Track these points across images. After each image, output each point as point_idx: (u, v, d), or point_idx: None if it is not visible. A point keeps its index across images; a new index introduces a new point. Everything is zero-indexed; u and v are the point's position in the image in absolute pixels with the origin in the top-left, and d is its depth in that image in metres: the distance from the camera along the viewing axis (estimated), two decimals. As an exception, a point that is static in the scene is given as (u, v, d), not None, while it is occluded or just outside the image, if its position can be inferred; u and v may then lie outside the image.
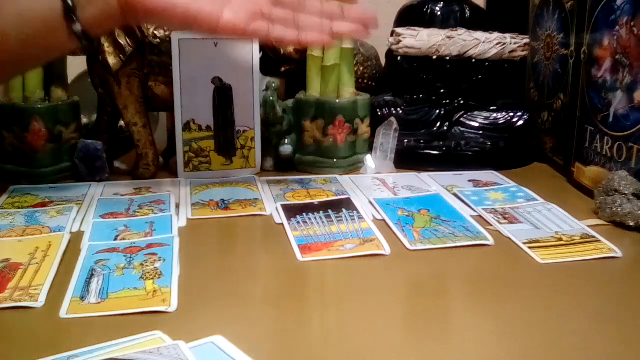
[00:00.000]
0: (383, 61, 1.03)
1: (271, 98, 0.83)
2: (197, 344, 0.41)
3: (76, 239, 0.61)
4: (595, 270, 0.57)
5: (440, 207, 0.71)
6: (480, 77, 0.95)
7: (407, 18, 0.99)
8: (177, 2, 0.60)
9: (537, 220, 0.68)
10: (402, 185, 0.80)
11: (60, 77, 0.84)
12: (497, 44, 0.93)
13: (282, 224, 0.66)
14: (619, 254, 0.59)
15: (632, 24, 0.70)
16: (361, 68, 1.00)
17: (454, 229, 0.65)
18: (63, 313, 0.47)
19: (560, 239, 0.62)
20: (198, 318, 0.47)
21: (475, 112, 0.94)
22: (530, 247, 0.60)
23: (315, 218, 0.67)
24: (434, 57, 0.93)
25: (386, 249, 0.59)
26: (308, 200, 0.73)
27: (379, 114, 0.92)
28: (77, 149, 0.81)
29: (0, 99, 0.84)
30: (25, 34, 0.59)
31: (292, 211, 0.69)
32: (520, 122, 0.94)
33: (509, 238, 0.63)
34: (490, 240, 0.62)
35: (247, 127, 0.85)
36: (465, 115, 0.94)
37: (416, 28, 0.93)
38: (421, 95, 0.96)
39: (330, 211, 0.69)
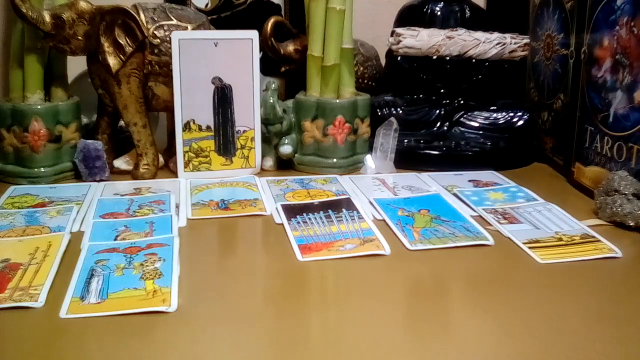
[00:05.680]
0: (383, 61, 1.03)
1: (271, 98, 0.84)
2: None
3: (76, 239, 0.61)
4: (595, 270, 0.57)
5: (440, 207, 0.71)
6: (480, 77, 0.95)
7: (407, 18, 0.99)
8: None
9: (537, 220, 0.68)
10: (402, 185, 0.80)
11: (60, 77, 0.84)
12: (497, 44, 0.93)
13: (282, 224, 0.66)
14: (619, 254, 0.59)
15: (632, 24, 0.70)
16: (361, 68, 1.00)
17: (454, 229, 0.65)
18: (63, 313, 0.47)
19: (560, 239, 0.62)
20: (198, 318, 0.47)
21: (475, 112, 0.94)
22: (530, 247, 0.60)
23: (315, 218, 0.67)
24: (434, 57, 0.93)
25: (386, 249, 0.59)
26: (308, 200, 0.73)
27: (379, 114, 0.92)
28: (77, 149, 0.81)
29: (0, 99, 0.84)
30: None
31: (292, 211, 0.69)
32: (520, 122, 0.94)
33: (509, 238, 0.63)
34: (490, 240, 0.62)
35: (247, 127, 0.85)
36: (465, 115, 0.94)
37: (416, 28, 0.93)
38: (421, 95, 0.96)
39: (330, 211, 0.69)
